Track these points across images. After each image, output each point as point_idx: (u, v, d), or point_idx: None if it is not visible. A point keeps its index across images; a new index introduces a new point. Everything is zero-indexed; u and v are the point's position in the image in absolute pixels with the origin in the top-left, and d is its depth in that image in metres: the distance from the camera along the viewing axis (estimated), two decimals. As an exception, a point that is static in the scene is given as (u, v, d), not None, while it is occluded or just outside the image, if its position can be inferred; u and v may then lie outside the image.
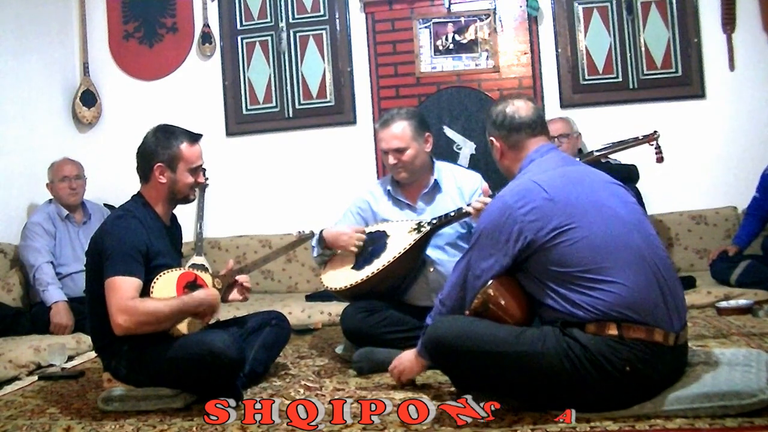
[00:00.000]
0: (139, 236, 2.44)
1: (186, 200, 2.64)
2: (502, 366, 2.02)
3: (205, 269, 3.86)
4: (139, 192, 2.62)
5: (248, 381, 2.62)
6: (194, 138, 2.60)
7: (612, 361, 1.93)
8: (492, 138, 2.35)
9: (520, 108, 2.31)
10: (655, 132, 2.51)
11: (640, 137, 2.50)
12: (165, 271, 2.48)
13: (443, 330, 2.14)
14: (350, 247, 2.92)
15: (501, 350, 2.01)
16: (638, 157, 3.59)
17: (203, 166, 2.67)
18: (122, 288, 2.33)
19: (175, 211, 2.71)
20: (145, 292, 2.40)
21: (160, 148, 2.53)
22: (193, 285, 2.54)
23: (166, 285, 2.45)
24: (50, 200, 4.06)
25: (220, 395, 2.34)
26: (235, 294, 2.80)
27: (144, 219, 2.51)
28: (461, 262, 2.25)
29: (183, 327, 2.46)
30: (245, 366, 2.56)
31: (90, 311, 2.55)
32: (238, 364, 2.43)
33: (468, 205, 2.78)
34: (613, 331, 1.94)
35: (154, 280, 2.44)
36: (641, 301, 1.96)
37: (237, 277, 2.79)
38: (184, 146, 2.55)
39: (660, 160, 2.48)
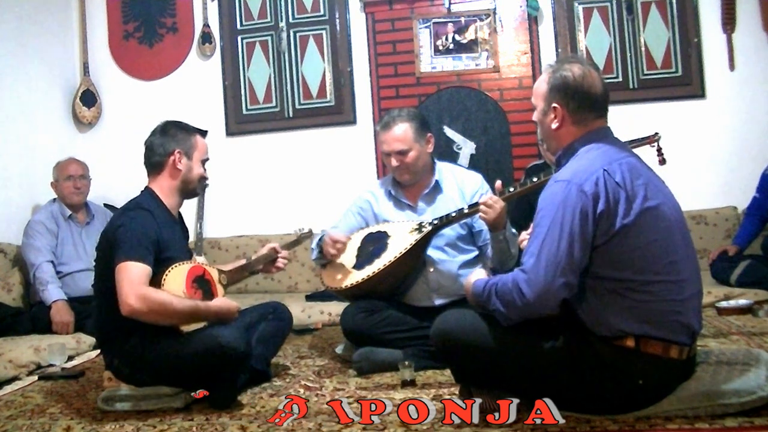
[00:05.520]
0: (149, 226, 2.45)
1: (194, 193, 2.70)
2: (507, 364, 2.01)
3: (206, 269, 3.86)
4: (147, 187, 2.63)
5: (250, 378, 2.62)
6: (203, 133, 2.73)
7: (625, 372, 1.90)
8: (555, 105, 2.01)
9: (595, 81, 2.00)
10: (656, 134, 2.50)
11: (641, 139, 2.49)
12: (176, 265, 2.48)
13: (451, 324, 2.12)
14: (327, 253, 2.90)
15: (507, 348, 2.00)
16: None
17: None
18: (134, 272, 2.33)
19: (174, 211, 2.72)
20: (155, 284, 2.38)
21: (180, 136, 2.63)
22: (200, 279, 2.55)
23: (176, 278, 2.46)
24: (54, 199, 4.06)
25: (221, 388, 2.35)
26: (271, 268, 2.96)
27: (154, 211, 2.52)
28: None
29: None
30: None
31: (97, 306, 2.55)
32: (245, 357, 2.45)
33: (469, 206, 2.77)
34: (630, 343, 1.90)
35: (166, 273, 2.43)
36: (671, 317, 1.90)
37: (280, 253, 2.94)
38: (198, 138, 2.68)
39: (662, 162, 2.47)
